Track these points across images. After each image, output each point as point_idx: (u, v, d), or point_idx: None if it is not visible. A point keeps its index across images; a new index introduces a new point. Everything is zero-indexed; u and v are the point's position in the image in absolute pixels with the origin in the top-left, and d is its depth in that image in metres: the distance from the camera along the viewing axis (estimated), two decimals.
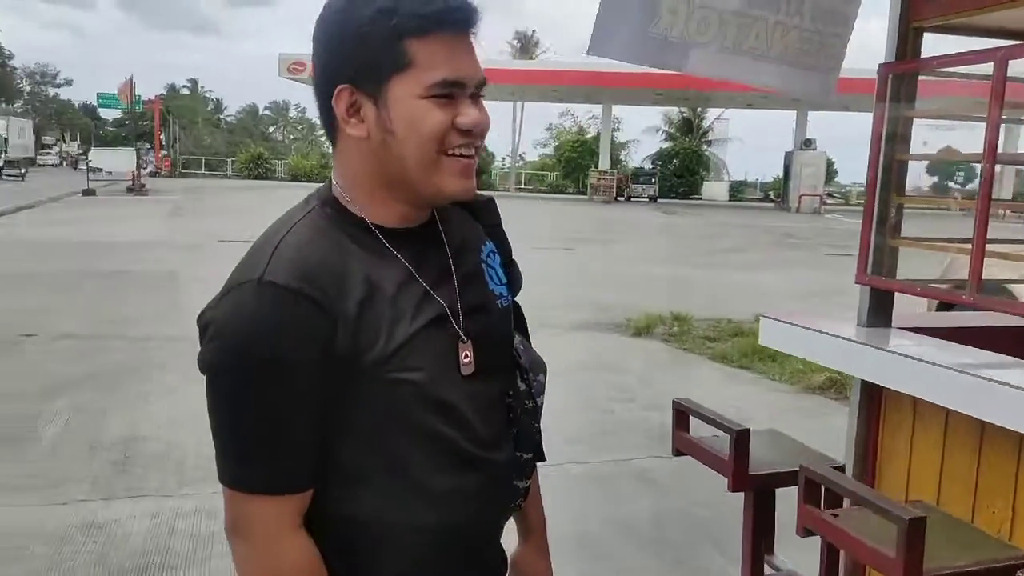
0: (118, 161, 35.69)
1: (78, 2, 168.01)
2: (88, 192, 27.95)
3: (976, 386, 1.91)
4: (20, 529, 3.49)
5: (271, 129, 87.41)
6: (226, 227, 16.80)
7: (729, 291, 10.83)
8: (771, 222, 27.05)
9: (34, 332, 6.84)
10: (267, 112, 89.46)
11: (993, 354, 2.20)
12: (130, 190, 29.83)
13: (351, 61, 1.00)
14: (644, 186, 39.27)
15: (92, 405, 5.10)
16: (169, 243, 13.88)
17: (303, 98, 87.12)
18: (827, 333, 2.44)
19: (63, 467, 4.16)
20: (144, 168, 50.44)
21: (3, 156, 40.31)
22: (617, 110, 44.38)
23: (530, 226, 21.25)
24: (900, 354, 2.17)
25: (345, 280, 0.99)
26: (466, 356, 1.08)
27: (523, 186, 49.05)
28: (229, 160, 54.61)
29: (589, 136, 47.86)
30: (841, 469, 2.31)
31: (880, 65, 2.42)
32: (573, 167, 44.57)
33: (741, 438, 2.11)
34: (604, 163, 38.46)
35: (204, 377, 1.00)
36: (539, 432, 1.22)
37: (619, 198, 37.39)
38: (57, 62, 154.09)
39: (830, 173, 46.53)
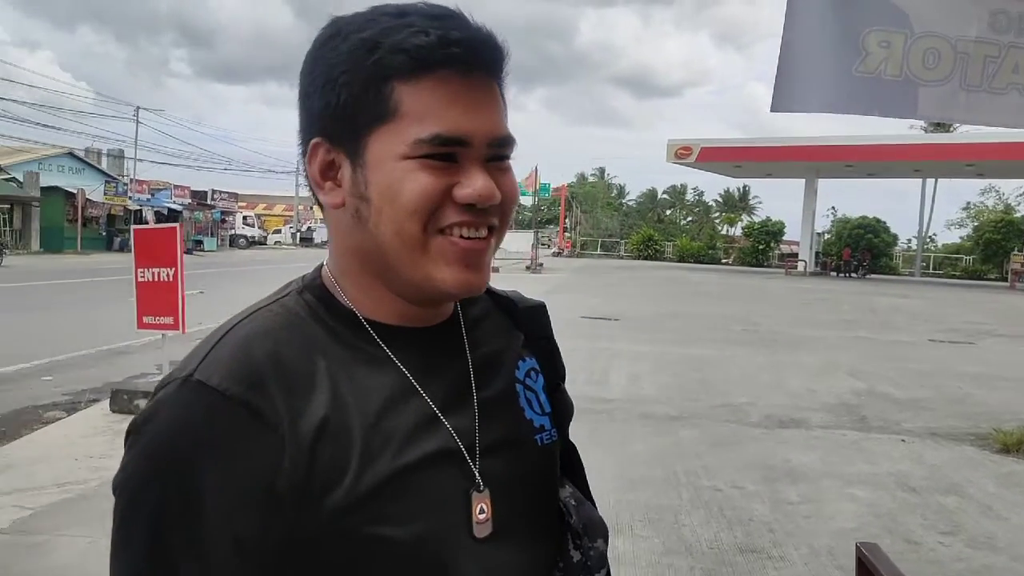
0: (519, 242, 39.82)
1: (512, 104, 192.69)
2: (492, 270, 31.37)
3: None
4: None
5: (668, 212, 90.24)
6: (592, 304, 17.67)
7: None
8: None
9: None
10: (665, 196, 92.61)
11: None
12: (527, 268, 32.93)
13: (326, 108, 0.78)
14: None
15: None
16: None
17: (701, 181, 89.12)
18: None
19: None
20: (548, 248, 55.92)
21: None
22: None
23: (927, 314, 18.99)
24: None
25: (308, 387, 0.74)
26: (482, 510, 0.78)
27: (931, 270, 43.91)
28: (622, 241, 57.48)
29: (1017, 215, 41.41)
30: None
31: None
32: (995, 250, 38.82)
33: None
34: None
35: None
36: None
37: None
38: None
39: None
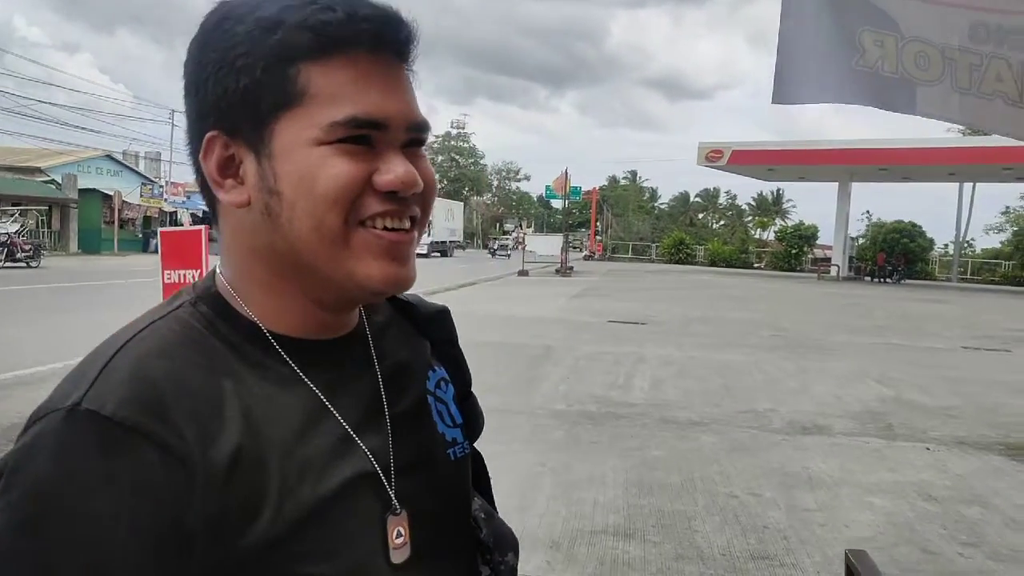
0: (549, 246, 39.84)
1: (545, 107, 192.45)
2: (522, 273, 31.44)
3: None
4: None
5: (700, 215, 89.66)
6: (620, 308, 17.63)
7: None
8: None
9: None
10: (698, 199, 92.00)
11: None
12: (557, 271, 32.91)
13: (222, 97, 0.70)
14: None
15: None
16: (563, 321, 14.91)
17: (733, 184, 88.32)
18: None
19: None
20: (579, 252, 55.96)
21: (430, 237, 46.78)
22: None
23: (963, 320, 18.65)
24: None
25: (216, 413, 0.66)
26: (399, 534, 0.73)
27: (968, 276, 43.08)
28: (653, 245, 57.21)
29: None
30: None
31: None
32: None
33: None
34: None
35: None
36: None
37: None
38: (521, 159, 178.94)
39: None
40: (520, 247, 41.96)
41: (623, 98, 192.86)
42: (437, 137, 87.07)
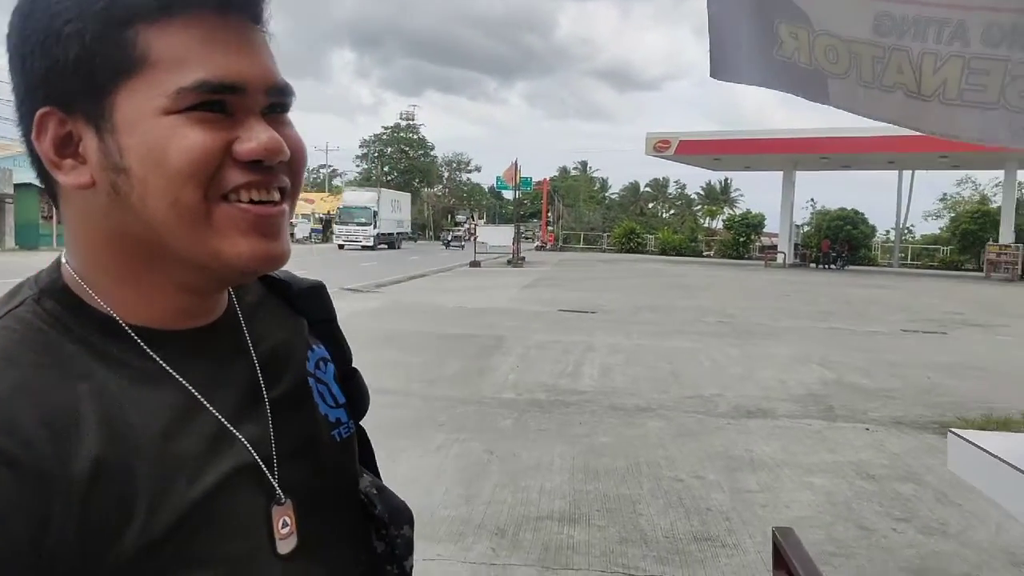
0: (501, 236, 39.89)
1: (494, 98, 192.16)
2: (474, 264, 31.40)
3: None
4: None
5: (650, 205, 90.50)
6: (571, 297, 17.73)
7: None
8: None
9: None
10: (648, 189, 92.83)
11: None
12: (509, 262, 32.96)
13: (52, 69, 0.63)
14: None
15: None
16: (514, 311, 14.93)
17: (682, 174, 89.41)
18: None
19: None
20: (531, 242, 56.12)
21: (375, 229, 46.37)
22: None
23: (903, 305, 19.17)
24: None
25: (72, 422, 0.60)
26: (284, 524, 0.70)
27: (909, 261, 44.33)
28: (604, 234, 57.65)
29: (993, 206, 41.82)
30: None
31: None
32: (972, 241, 39.20)
33: None
34: (1007, 236, 33.23)
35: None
36: None
37: None
38: (472, 151, 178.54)
39: None
40: (472, 238, 41.89)
41: (572, 89, 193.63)
42: (386, 129, 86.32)
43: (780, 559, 1.89)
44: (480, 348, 10.32)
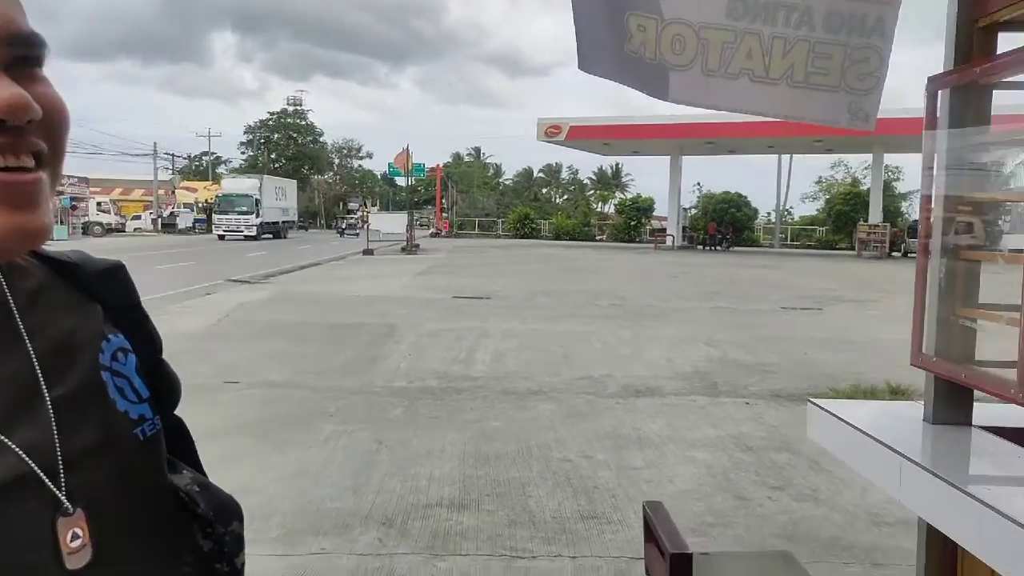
0: (395, 224, 39.47)
1: (384, 83, 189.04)
2: (368, 252, 30.93)
3: None
4: None
5: (544, 191, 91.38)
6: (465, 284, 17.72)
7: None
8: None
9: (237, 380, 7.51)
10: (541, 175, 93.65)
11: None
12: (403, 250, 32.64)
13: None
14: None
15: (241, 451, 5.42)
16: (407, 299, 14.79)
17: (575, 159, 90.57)
18: (878, 440, 1.84)
19: None
20: (426, 229, 55.73)
21: (258, 218, 45.22)
22: (898, 159, 40.80)
23: (783, 283, 20.09)
24: (975, 498, 1.41)
25: None
26: (74, 536, 0.63)
27: (789, 242, 46.51)
28: (499, 220, 57.89)
29: (864, 188, 44.31)
30: None
31: (929, 80, 1.84)
32: (845, 221, 41.45)
33: (677, 565, 1.64)
34: (875, 216, 35.35)
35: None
36: None
37: (893, 253, 34.09)
38: (363, 137, 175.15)
39: None
40: (365, 226, 41.24)
41: (463, 75, 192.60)
42: (273, 114, 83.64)
43: (650, 533, 1.93)
44: (372, 337, 10.17)
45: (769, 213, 52.52)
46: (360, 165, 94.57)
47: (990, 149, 1.82)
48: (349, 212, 73.28)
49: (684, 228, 41.33)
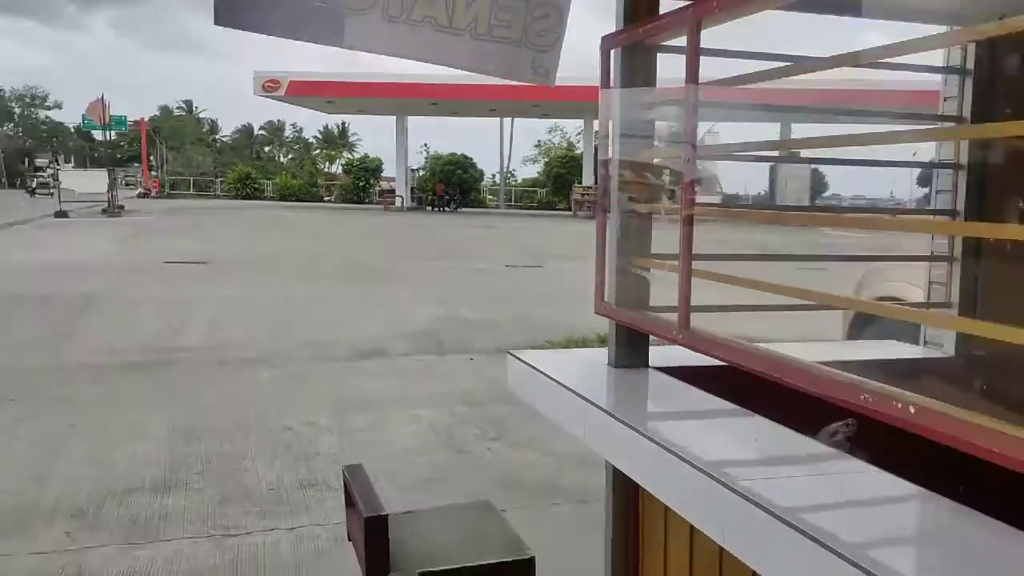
0: (93, 183, 35.48)
1: (73, 24, 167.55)
2: (60, 214, 27.56)
3: (719, 497, 1.30)
4: None
5: (267, 149, 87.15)
6: (178, 248, 16.41)
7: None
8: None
9: None
10: (263, 132, 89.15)
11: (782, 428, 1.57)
12: (105, 212, 29.49)
13: None
14: None
15: None
16: (111, 265, 13.40)
17: (300, 117, 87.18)
18: (564, 385, 1.91)
19: None
20: (134, 189, 50.76)
21: None
22: None
23: (507, 242, 20.99)
24: (642, 434, 1.53)
25: None
26: None
27: (513, 203, 48.68)
28: (218, 180, 54.39)
29: (579, 152, 47.45)
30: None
31: (602, 39, 1.92)
32: (562, 183, 44.13)
33: (373, 527, 1.60)
34: (588, 179, 38.04)
35: None
36: None
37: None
38: (49, 84, 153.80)
39: None
40: (57, 185, 36.63)
41: (169, 19, 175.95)
42: None
43: (350, 497, 1.87)
44: (66, 310, 9.08)
45: (494, 175, 54.50)
46: (48, 116, 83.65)
47: (656, 109, 1.95)
48: (38, 169, 64.74)
49: (413, 189, 41.60)
